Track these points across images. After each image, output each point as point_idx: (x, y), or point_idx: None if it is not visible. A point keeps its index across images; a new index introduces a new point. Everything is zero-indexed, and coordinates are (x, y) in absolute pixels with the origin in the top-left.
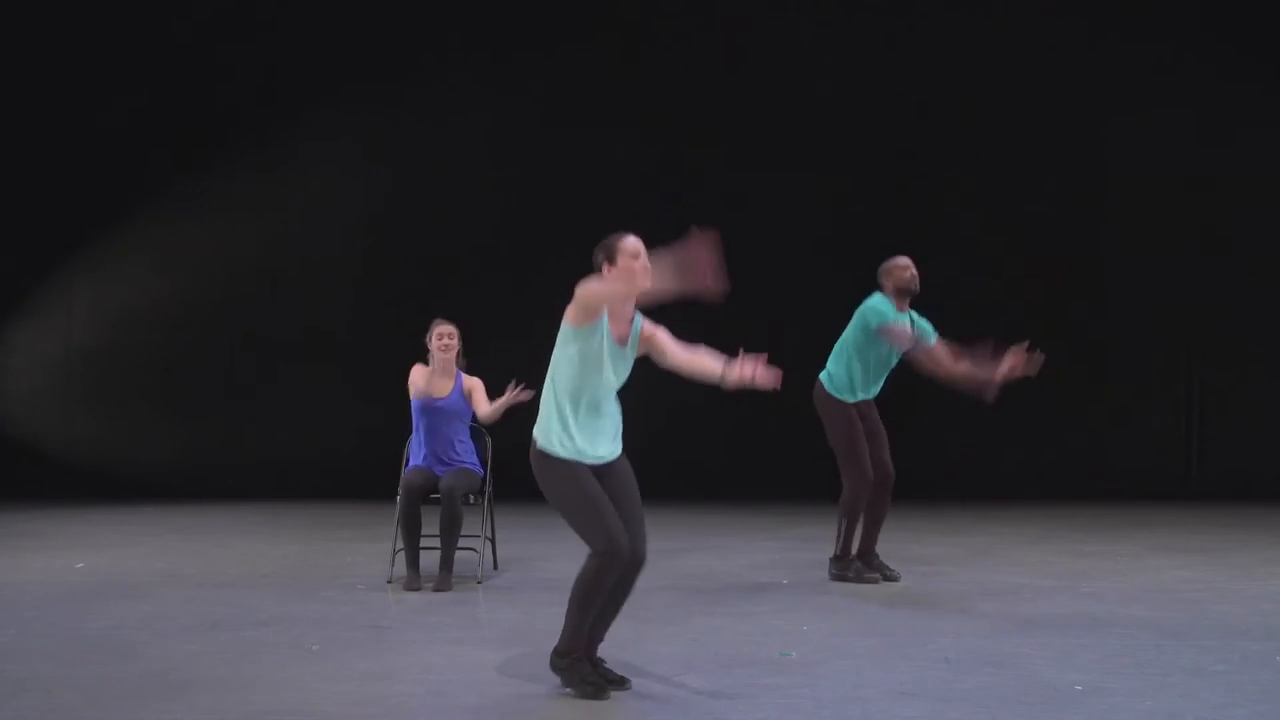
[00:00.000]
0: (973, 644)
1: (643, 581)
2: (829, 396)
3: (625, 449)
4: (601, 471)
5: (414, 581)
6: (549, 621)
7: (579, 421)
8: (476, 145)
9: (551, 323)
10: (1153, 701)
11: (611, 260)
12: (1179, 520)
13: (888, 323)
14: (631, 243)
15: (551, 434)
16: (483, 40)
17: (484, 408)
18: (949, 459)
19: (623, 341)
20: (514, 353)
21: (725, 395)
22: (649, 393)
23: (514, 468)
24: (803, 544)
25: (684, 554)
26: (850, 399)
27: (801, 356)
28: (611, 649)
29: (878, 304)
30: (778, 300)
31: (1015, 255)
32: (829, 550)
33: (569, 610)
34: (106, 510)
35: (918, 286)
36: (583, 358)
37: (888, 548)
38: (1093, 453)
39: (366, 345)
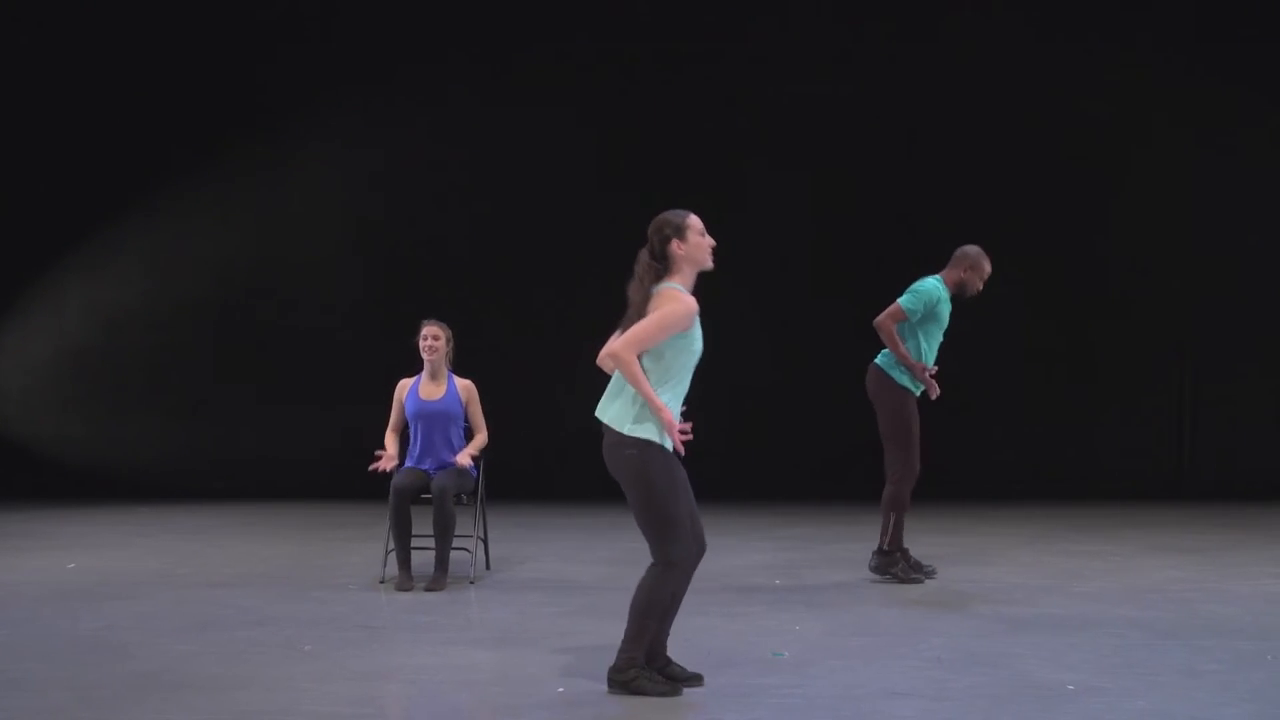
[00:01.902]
0: (965, 643)
1: (634, 581)
2: (892, 383)
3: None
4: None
5: (406, 582)
6: (542, 621)
7: (678, 409)
8: (471, 148)
9: (542, 324)
10: (1145, 701)
11: (681, 237)
12: (1171, 520)
13: (913, 317)
14: (697, 220)
15: (651, 423)
16: (476, 43)
17: (475, 424)
18: (943, 459)
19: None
20: (507, 353)
21: (719, 395)
22: None
23: (508, 468)
24: (796, 544)
25: None
26: (910, 385)
27: (806, 360)
28: (606, 649)
29: (930, 289)
30: (771, 301)
31: (1010, 256)
32: (822, 551)
33: (632, 621)
34: (99, 510)
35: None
36: (688, 353)
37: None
38: (1085, 453)
39: (359, 345)
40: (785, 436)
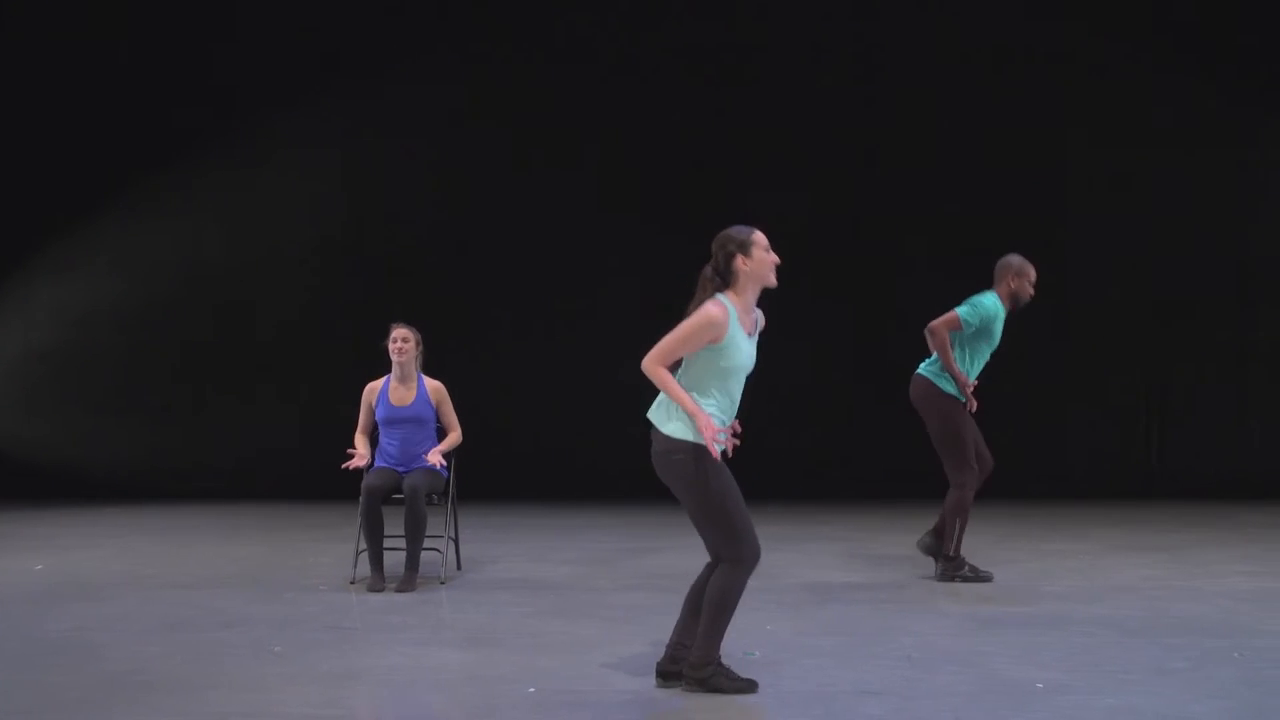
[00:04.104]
0: (936, 642)
1: (608, 581)
2: (938, 391)
3: (602, 446)
4: None
5: (377, 582)
6: (513, 621)
7: (724, 418)
8: (440, 149)
9: (513, 327)
10: (1114, 699)
11: (746, 253)
12: (1140, 519)
13: (967, 330)
14: (762, 236)
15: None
16: (450, 44)
17: (448, 424)
18: (913, 458)
19: (751, 332)
20: (477, 356)
21: None
22: (626, 390)
23: (479, 467)
24: (770, 544)
25: (650, 553)
26: (957, 393)
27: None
28: (578, 649)
29: (989, 306)
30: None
31: (983, 257)
32: (793, 550)
33: (708, 620)
34: (67, 511)
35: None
36: (722, 365)
37: (851, 546)
38: (1055, 452)
39: (329, 346)
40: (764, 436)
